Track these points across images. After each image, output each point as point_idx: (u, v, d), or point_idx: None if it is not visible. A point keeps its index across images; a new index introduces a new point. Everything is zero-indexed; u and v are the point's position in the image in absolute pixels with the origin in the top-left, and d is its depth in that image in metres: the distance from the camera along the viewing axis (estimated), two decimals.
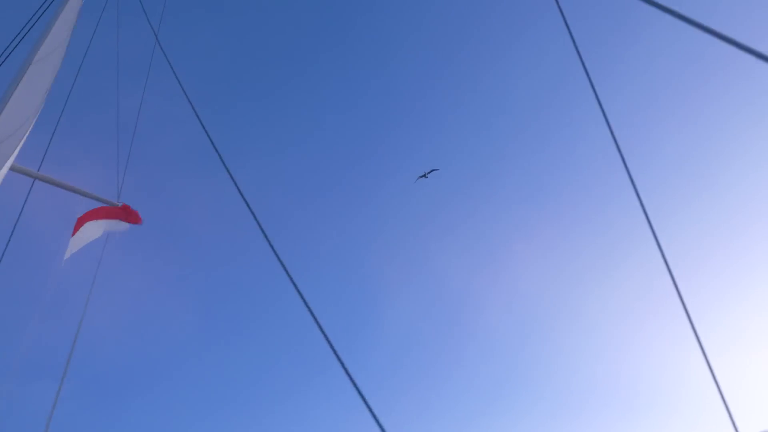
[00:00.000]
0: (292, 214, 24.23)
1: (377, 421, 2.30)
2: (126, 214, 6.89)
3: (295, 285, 2.68)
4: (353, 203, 25.29)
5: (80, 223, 6.82)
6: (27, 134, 5.26)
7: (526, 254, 24.10)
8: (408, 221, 25.16)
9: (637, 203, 3.09)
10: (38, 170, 6.16)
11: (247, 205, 3.58)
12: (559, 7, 3.30)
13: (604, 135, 3.34)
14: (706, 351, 2.54)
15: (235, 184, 3.77)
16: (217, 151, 4.17)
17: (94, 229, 6.80)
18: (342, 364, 2.58)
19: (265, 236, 3.39)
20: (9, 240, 5.71)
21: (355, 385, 2.44)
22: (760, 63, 2.05)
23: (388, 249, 24.54)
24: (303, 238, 23.67)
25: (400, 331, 23.55)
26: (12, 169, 5.51)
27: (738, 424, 2.56)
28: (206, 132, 4.52)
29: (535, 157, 25.82)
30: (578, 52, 3.34)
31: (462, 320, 24.35)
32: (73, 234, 6.81)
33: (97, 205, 6.84)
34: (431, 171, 20.94)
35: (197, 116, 4.76)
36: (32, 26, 6.28)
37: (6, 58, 5.79)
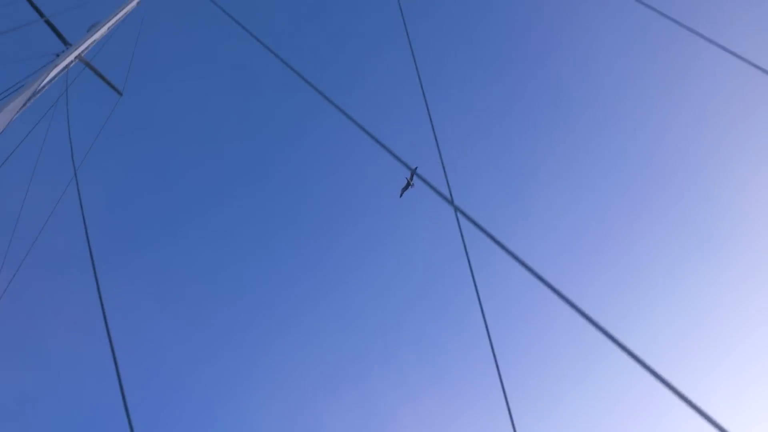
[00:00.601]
0: (166, 363, 22.75)
1: None
2: None
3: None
4: (233, 351, 24.31)
5: None
6: None
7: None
8: (293, 382, 24.33)
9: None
10: None
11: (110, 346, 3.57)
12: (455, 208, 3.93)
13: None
14: None
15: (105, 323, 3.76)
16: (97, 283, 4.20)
17: None
18: None
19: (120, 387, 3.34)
20: None
21: None
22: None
23: (269, 406, 23.25)
24: (171, 389, 22.03)
25: None
26: None
27: None
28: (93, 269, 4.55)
29: (425, 333, 26.89)
30: (465, 249, 3.93)
31: None
32: None
33: None
34: (412, 174, 17.84)
35: (91, 258, 4.80)
36: None
37: None
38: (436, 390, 25.43)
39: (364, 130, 3.94)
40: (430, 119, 3.85)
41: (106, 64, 8.28)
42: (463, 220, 3.02)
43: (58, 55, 7.62)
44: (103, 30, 8.10)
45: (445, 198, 3.14)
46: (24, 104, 7.03)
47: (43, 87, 7.38)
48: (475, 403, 25.84)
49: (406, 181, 18.16)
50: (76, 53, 7.66)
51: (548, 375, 26.86)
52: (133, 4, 8.49)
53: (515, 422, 3.47)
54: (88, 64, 7.77)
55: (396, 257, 27.33)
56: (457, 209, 3.20)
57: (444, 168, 3.46)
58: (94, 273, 4.93)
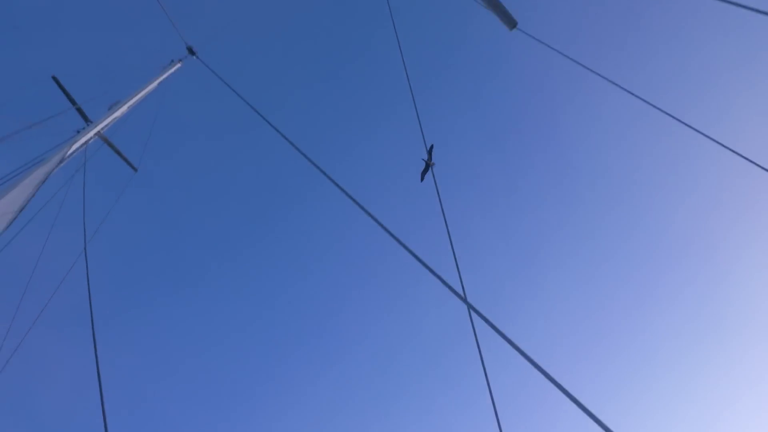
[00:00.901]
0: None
1: None
2: None
3: None
4: None
5: None
6: None
7: None
8: None
9: None
10: None
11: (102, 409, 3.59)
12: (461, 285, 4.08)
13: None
14: None
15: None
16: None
17: None
18: None
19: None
20: None
21: None
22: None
23: None
24: None
25: None
26: None
27: None
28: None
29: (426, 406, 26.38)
30: (478, 345, 4.04)
31: None
32: None
33: None
34: (430, 151, 15.07)
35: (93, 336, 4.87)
36: None
37: None
38: None
39: (374, 219, 4.16)
40: (445, 222, 4.08)
41: (123, 140, 8.62)
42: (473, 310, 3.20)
43: (78, 132, 7.97)
44: (123, 109, 8.49)
45: (458, 295, 3.31)
46: (43, 180, 7.28)
47: (63, 161, 7.67)
48: None
49: (424, 163, 15.38)
50: (96, 130, 8.01)
51: None
52: (154, 84, 8.95)
53: None
54: (106, 141, 8.09)
55: (396, 336, 27.29)
56: (470, 307, 3.37)
57: (457, 265, 3.63)
58: (95, 352, 4.97)
